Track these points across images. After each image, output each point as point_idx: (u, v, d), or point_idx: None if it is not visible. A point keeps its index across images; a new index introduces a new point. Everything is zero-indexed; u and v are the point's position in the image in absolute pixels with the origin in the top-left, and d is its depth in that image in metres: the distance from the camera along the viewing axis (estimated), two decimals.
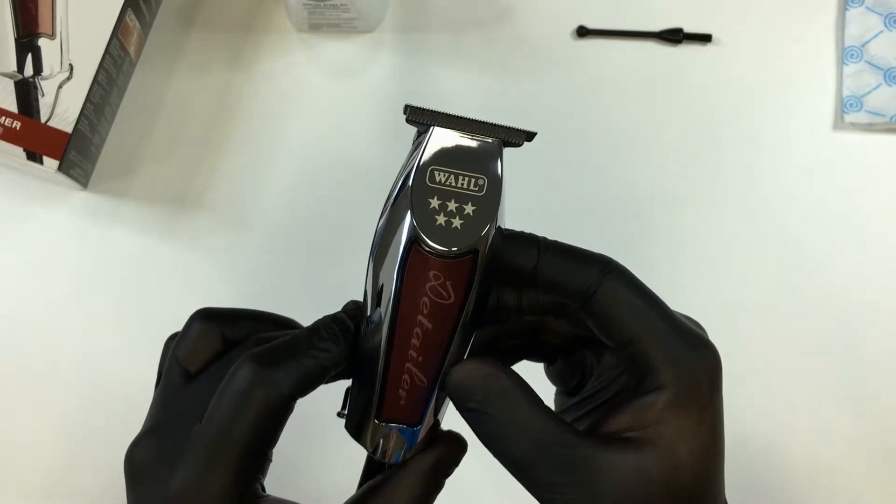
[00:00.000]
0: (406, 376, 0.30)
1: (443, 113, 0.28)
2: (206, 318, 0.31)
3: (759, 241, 0.56)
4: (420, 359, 0.29)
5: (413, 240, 0.28)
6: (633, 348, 0.29)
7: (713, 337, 0.56)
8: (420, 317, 0.29)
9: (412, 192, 0.28)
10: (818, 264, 0.56)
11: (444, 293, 0.28)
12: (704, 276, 0.56)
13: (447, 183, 0.28)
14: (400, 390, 0.30)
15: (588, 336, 0.31)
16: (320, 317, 0.32)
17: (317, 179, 0.56)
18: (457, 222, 0.28)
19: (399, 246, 0.28)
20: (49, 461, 0.52)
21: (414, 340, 0.29)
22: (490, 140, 0.29)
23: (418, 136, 0.30)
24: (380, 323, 0.29)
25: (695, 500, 0.28)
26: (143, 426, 0.31)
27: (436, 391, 0.30)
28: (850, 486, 0.54)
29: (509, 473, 0.29)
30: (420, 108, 0.28)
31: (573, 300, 0.29)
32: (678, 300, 0.56)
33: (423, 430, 0.31)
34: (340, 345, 0.30)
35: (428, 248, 0.28)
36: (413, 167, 0.28)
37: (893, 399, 0.55)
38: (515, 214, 0.58)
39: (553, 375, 0.35)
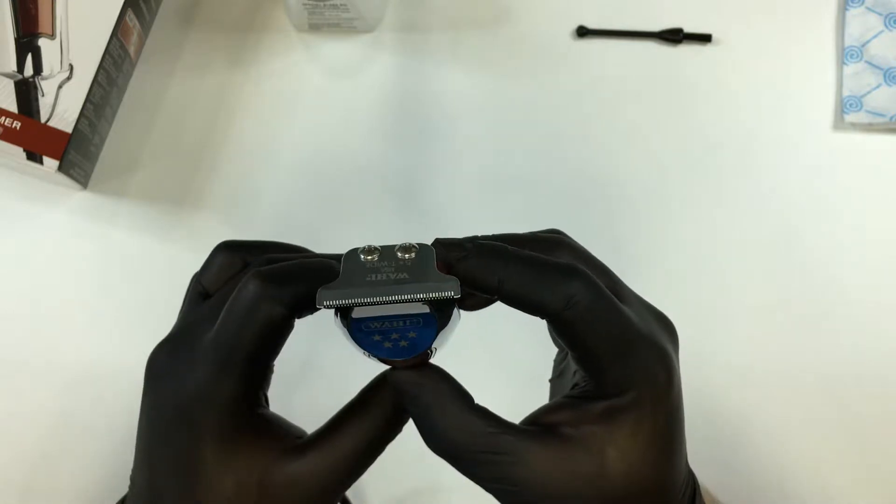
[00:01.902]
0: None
1: (359, 290, 0.28)
2: (229, 248, 0.34)
3: (758, 240, 0.56)
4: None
5: (370, 355, 0.30)
6: (588, 360, 0.30)
7: (713, 335, 0.57)
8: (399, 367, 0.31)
9: (353, 336, 0.29)
10: (818, 264, 0.56)
11: (413, 362, 0.31)
12: (704, 276, 0.56)
13: (383, 327, 0.29)
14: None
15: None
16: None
17: (317, 179, 0.56)
18: (403, 343, 0.29)
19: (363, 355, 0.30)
20: (50, 460, 0.52)
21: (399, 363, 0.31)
22: (413, 304, 0.28)
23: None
24: None
25: (625, 500, 0.29)
26: (166, 336, 0.33)
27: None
28: (850, 485, 0.54)
29: None
30: (331, 293, 0.28)
31: (539, 315, 0.30)
32: (677, 299, 0.56)
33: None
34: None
35: (382, 360, 0.30)
36: (347, 323, 0.29)
37: (895, 398, 0.55)
38: (515, 216, 0.58)
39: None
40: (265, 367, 0.31)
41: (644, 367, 0.30)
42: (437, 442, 0.30)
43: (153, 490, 0.31)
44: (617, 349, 0.29)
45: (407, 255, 0.29)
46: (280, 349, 0.31)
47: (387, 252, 0.29)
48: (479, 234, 0.32)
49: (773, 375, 0.55)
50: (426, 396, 0.30)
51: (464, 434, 0.30)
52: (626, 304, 0.31)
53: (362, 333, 0.29)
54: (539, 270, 0.29)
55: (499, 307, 0.33)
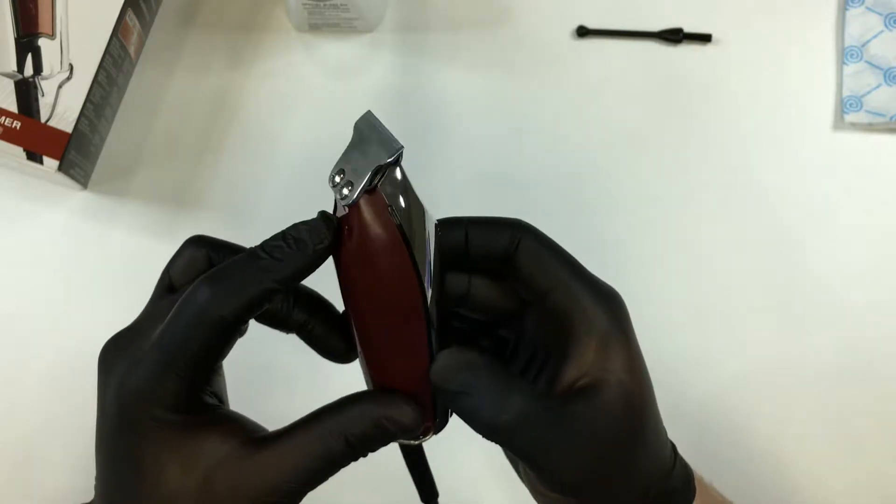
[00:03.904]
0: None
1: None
2: (196, 243, 0.34)
3: (758, 240, 0.56)
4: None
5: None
6: (552, 299, 0.33)
7: (713, 336, 0.57)
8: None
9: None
10: (818, 264, 0.56)
11: None
12: (704, 276, 0.56)
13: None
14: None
15: (497, 319, 0.35)
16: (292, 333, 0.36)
17: (317, 179, 0.56)
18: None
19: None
20: (55, 462, 0.52)
21: None
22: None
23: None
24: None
25: (643, 423, 0.33)
26: (122, 328, 0.33)
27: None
28: (850, 485, 0.54)
29: (492, 442, 0.32)
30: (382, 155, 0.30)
31: (499, 261, 0.34)
32: (678, 298, 0.56)
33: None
34: (289, 264, 0.30)
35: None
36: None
37: (894, 398, 0.55)
38: (514, 215, 0.58)
39: None
40: (209, 369, 0.31)
41: (604, 295, 0.33)
42: (493, 422, 0.31)
43: (104, 488, 0.31)
44: (576, 283, 0.33)
45: (341, 174, 0.31)
46: (227, 352, 0.31)
47: (339, 180, 0.31)
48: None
49: (773, 375, 0.55)
50: (477, 374, 0.31)
51: (519, 409, 0.31)
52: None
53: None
54: (492, 223, 0.34)
55: None
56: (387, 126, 0.31)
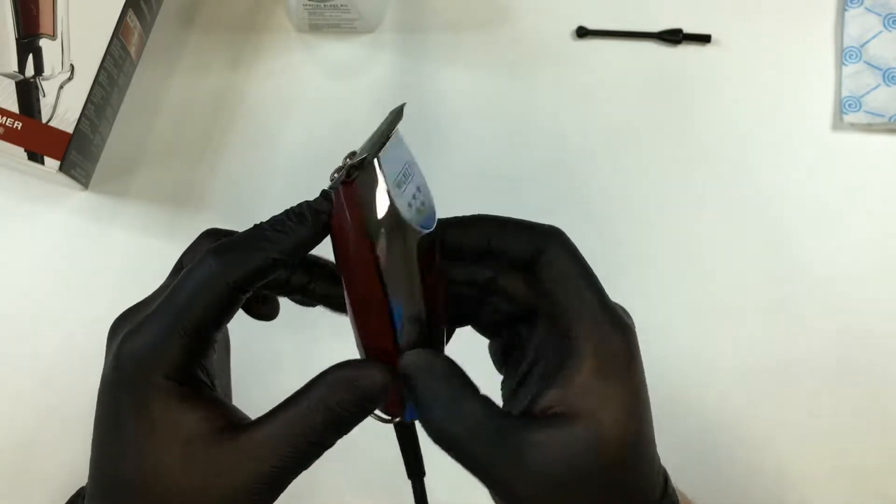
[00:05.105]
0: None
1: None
2: (212, 235, 0.35)
3: (757, 241, 0.56)
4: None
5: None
6: (561, 317, 0.31)
7: (711, 336, 0.57)
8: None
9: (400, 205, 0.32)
10: (817, 264, 0.56)
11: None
12: (703, 277, 0.56)
13: (404, 170, 0.33)
14: None
15: (523, 313, 0.34)
16: (317, 306, 0.36)
17: (317, 180, 0.56)
18: (417, 194, 0.34)
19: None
20: (57, 463, 0.52)
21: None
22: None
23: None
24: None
25: (620, 465, 0.30)
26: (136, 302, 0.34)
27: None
28: (849, 484, 0.54)
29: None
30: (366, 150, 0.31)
31: (520, 267, 0.33)
32: (677, 299, 0.56)
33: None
34: (291, 236, 0.32)
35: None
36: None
37: (894, 398, 0.55)
38: (514, 215, 0.58)
39: (494, 353, 0.38)
40: (208, 338, 0.31)
41: (615, 325, 0.31)
42: (442, 430, 0.30)
43: (96, 459, 0.31)
44: (588, 305, 0.31)
45: (351, 156, 0.32)
46: (226, 322, 0.32)
47: (342, 164, 0.32)
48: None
49: (772, 375, 0.55)
50: (434, 381, 0.31)
51: (475, 420, 0.30)
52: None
53: (402, 197, 0.31)
54: (521, 226, 0.33)
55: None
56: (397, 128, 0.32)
